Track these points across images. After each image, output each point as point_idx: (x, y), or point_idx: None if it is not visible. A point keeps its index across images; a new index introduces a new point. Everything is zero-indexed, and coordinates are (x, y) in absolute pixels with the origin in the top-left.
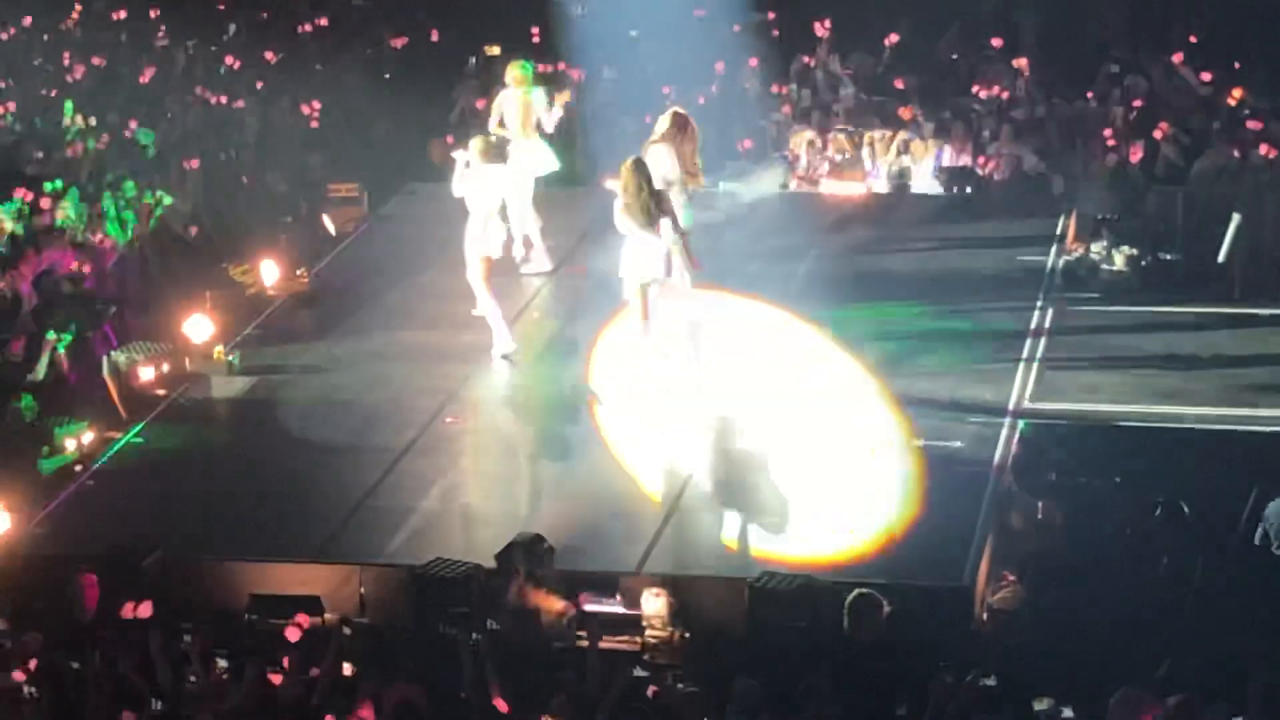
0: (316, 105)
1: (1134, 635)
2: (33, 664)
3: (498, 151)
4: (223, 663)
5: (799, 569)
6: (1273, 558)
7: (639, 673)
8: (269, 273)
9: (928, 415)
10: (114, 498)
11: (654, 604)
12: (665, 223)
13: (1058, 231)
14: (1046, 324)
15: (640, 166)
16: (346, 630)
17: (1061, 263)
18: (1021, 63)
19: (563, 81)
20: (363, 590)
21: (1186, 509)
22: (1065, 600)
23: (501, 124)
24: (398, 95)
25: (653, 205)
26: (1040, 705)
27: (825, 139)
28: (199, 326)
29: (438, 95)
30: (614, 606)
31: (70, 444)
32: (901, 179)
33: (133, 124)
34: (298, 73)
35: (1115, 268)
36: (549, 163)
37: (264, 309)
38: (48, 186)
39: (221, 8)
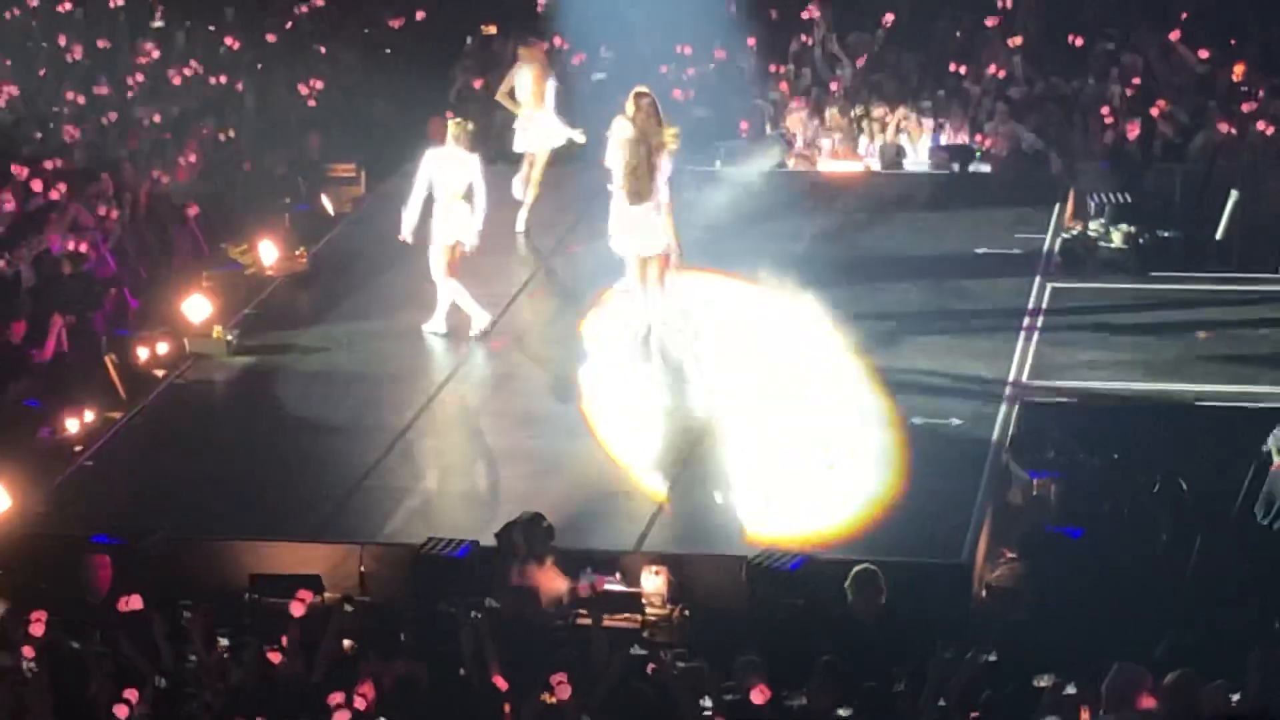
0: (316, 85)
1: (1133, 612)
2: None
3: (470, 137)
4: (224, 641)
5: (798, 546)
6: (1271, 534)
7: (638, 650)
8: (267, 253)
9: (926, 393)
10: (114, 478)
11: (653, 581)
12: (664, 192)
13: (1055, 210)
14: (1044, 301)
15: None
16: (348, 608)
17: (1059, 241)
18: (1017, 41)
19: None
20: (363, 569)
21: (1185, 486)
22: (1064, 577)
23: (512, 96)
24: (395, 75)
25: (655, 169)
26: (1041, 682)
27: (822, 117)
28: (198, 306)
29: (436, 74)
30: (613, 584)
31: None
32: (898, 158)
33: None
34: (296, 53)
35: (1113, 245)
36: (563, 134)
37: (262, 289)
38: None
39: None
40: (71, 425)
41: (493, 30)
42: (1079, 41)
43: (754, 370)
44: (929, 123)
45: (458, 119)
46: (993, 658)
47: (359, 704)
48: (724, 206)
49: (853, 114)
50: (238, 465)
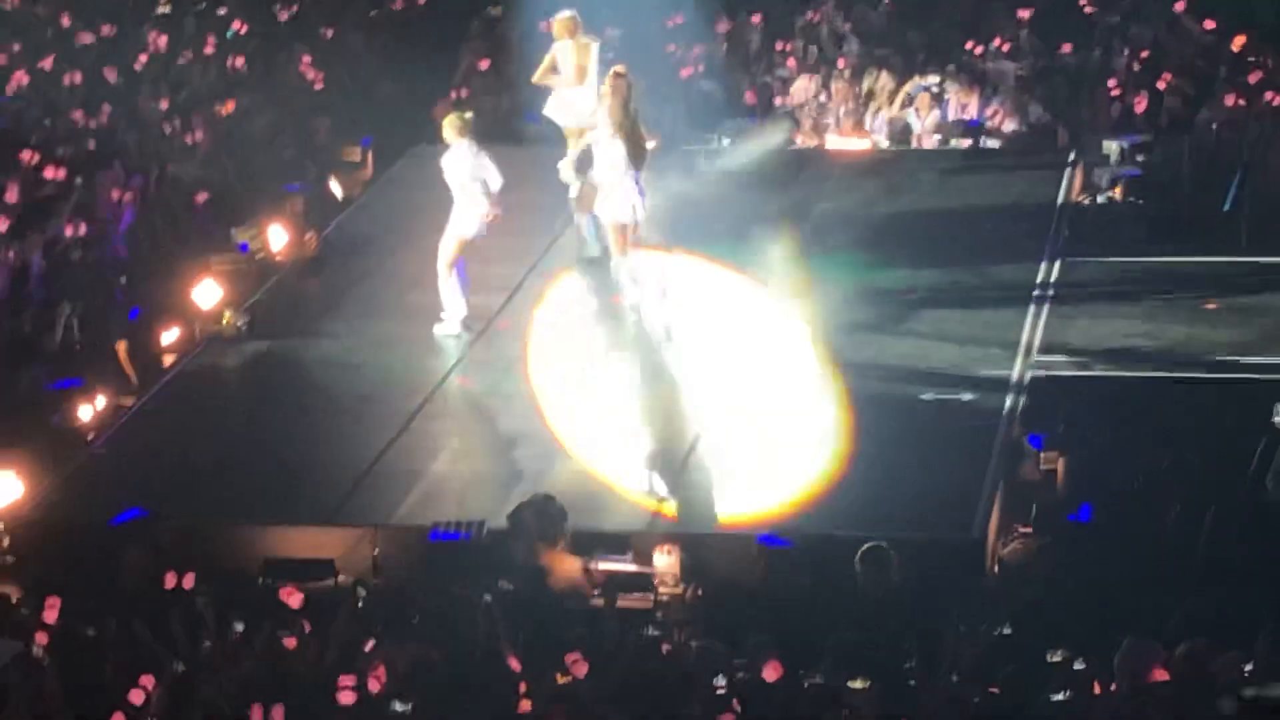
0: (323, 68)
1: (1145, 586)
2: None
3: (468, 127)
4: (238, 626)
5: (808, 523)
6: None
7: (652, 631)
8: (277, 238)
9: (936, 368)
10: (126, 465)
11: (665, 561)
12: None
13: (1064, 183)
14: (1054, 275)
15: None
16: (361, 591)
17: (1068, 214)
18: (1024, 14)
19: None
20: (376, 552)
21: (1196, 459)
22: (1076, 552)
23: (554, 70)
24: (402, 57)
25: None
26: (1054, 657)
27: (829, 93)
28: (208, 292)
29: (442, 56)
30: (626, 564)
31: None
32: (906, 134)
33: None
34: (302, 36)
35: (1120, 218)
36: None
37: (272, 274)
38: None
39: None
40: (83, 412)
41: (498, 12)
42: (1088, 10)
43: (760, 348)
44: (936, 97)
45: (453, 113)
46: (1007, 631)
47: (372, 687)
48: (730, 183)
49: (859, 90)
50: (250, 450)
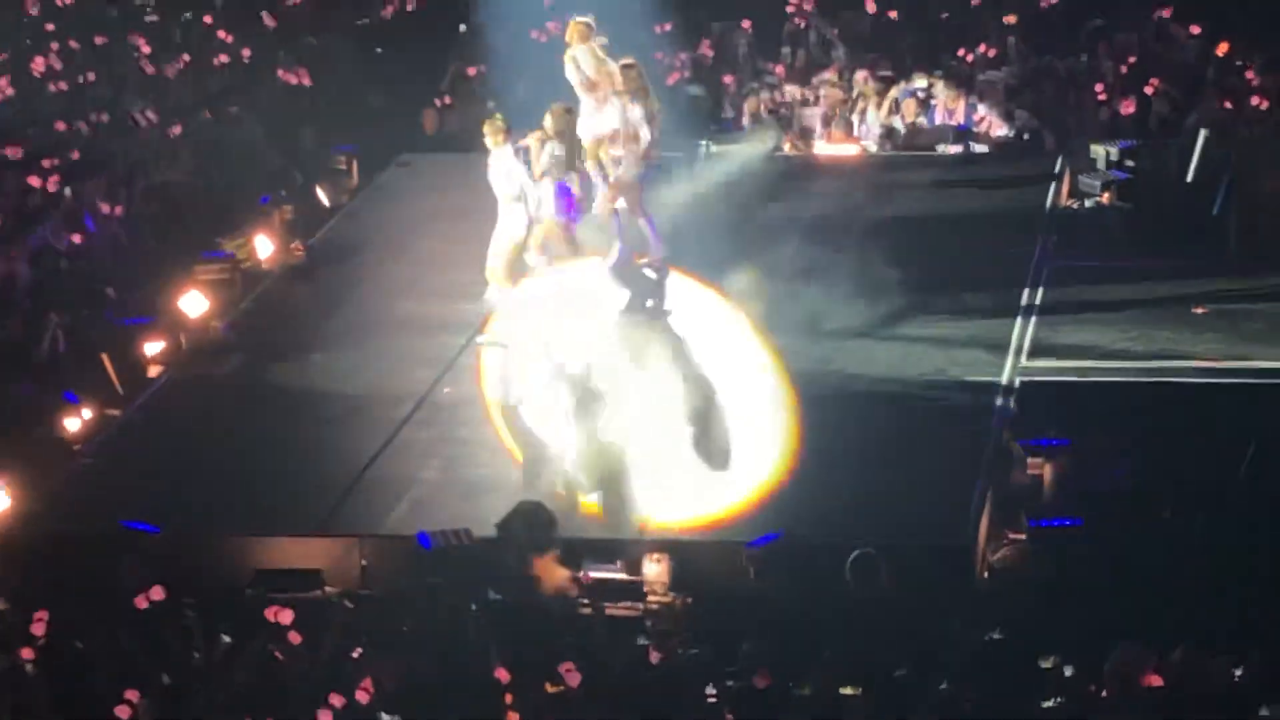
0: (309, 76)
1: (1136, 591)
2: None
3: (504, 132)
4: (227, 639)
5: (797, 530)
6: (1273, 510)
7: (642, 640)
8: (263, 246)
9: (925, 373)
10: (114, 475)
11: (655, 569)
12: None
13: (1051, 187)
14: (1042, 280)
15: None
16: (349, 604)
17: (1056, 219)
18: (1011, 19)
19: None
20: (364, 562)
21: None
22: (1067, 557)
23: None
24: (389, 65)
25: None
26: (1045, 663)
27: (817, 99)
28: (194, 301)
29: (429, 64)
30: (615, 573)
31: None
32: (893, 139)
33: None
34: (289, 44)
35: (1110, 222)
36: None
37: (259, 283)
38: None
39: None
40: (70, 423)
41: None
42: (1075, 15)
43: (747, 356)
44: (923, 103)
45: (489, 118)
46: (997, 636)
47: (361, 698)
48: (718, 189)
49: (847, 96)
50: (237, 460)
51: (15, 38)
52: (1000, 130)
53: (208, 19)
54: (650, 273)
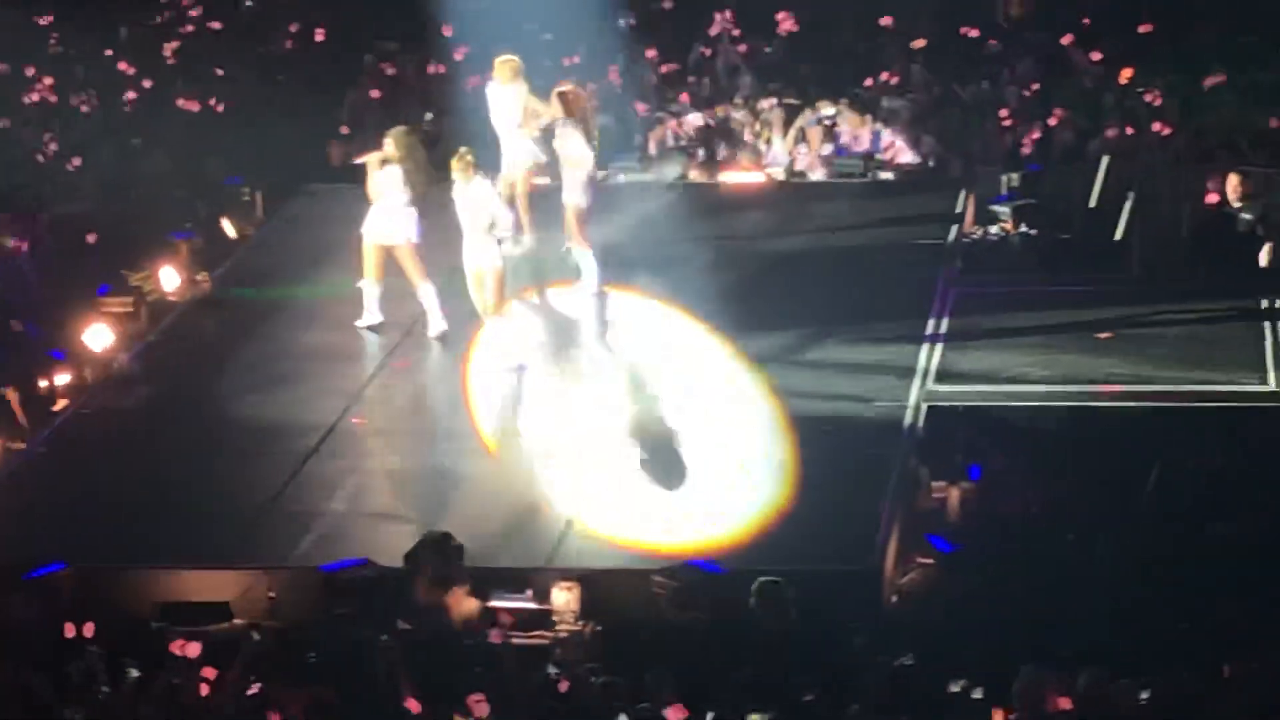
0: (214, 107)
1: (1043, 613)
2: None
3: (470, 165)
4: (133, 673)
5: (705, 557)
6: (1179, 532)
7: (551, 669)
8: (169, 278)
9: (832, 399)
10: (17, 510)
11: (564, 598)
12: None
13: (956, 213)
14: (948, 306)
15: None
16: (255, 635)
17: (961, 245)
18: (919, 44)
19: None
20: (272, 594)
21: (1090, 487)
22: (975, 580)
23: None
24: (293, 96)
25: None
26: (954, 687)
27: (723, 127)
28: (99, 335)
29: (334, 94)
30: (524, 602)
31: None
32: (799, 166)
33: None
34: (192, 75)
35: (1014, 248)
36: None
37: (164, 315)
38: None
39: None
40: None
41: (393, 48)
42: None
43: (656, 383)
44: (829, 130)
45: (456, 154)
46: (908, 661)
47: None
48: (624, 219)
49: (753, 124)
50: (143, 494)
51: None
52: (906, 156)
53: (109, 51)
54: (597, 300)
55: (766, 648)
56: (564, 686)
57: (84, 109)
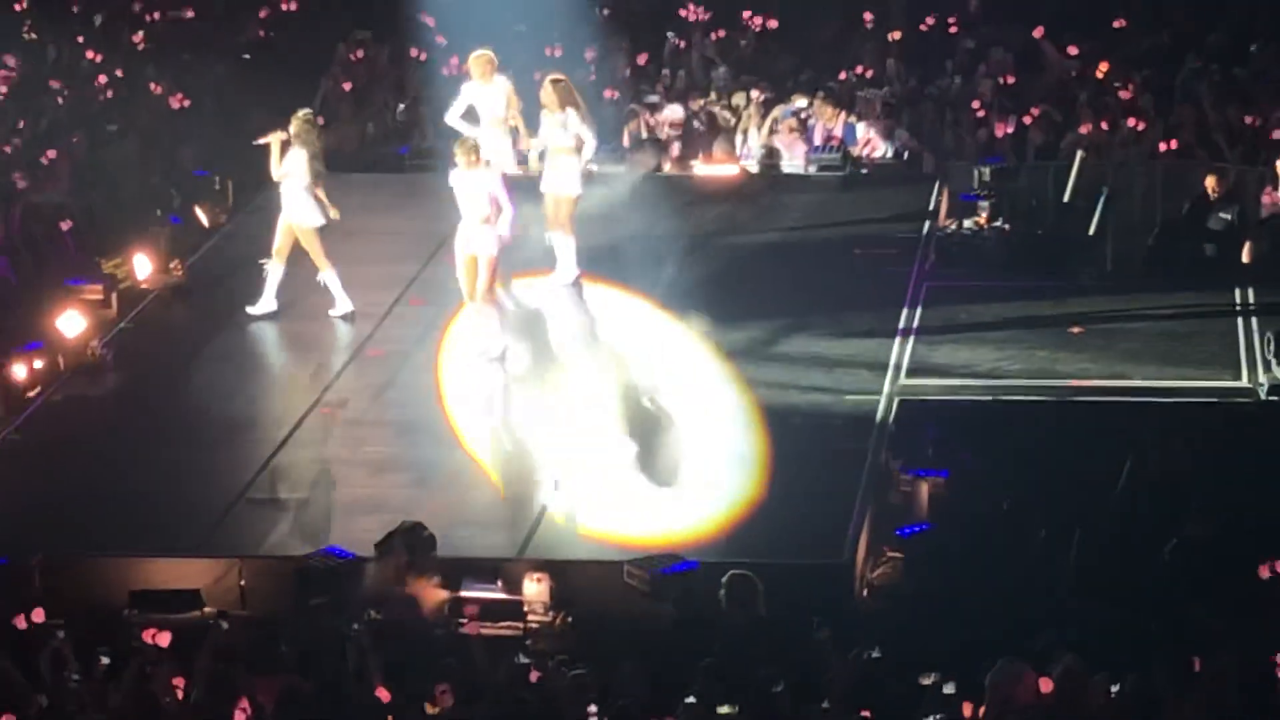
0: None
1: (1014, 608)
2: None
3: (474, 153)
4: (105, 660)
5: (674, 550)
6: (1151, 525)
7: (522, 659)
8: (142, 266)
9: (804, 393)
10: None
11: (535, 589)
12: None
13: (930, 208)
14: (921, 300)
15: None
16: (223, 624)
17: (934, 239)
18: (895, 35)
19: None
20: (243, 583)
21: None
22: (946, 575)
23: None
24: (266, 84)
25: None
26: (926, 680)
27: (697, 119)
28: (72, 322)
29: (307, 84)
30: (495, 592)
31: None
32: (772, 159)
33: None
34: (165, 63)
35: (987, 243)
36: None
37: (137, 303)
38: None
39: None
40: None
41: (366, 35)
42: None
43: (629, 376)
44: (803, 123)
45: (459, 141)
46: (876, 654)
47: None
48: (598, 211)
49: (727, 116)
50: (115, 481)
51: None
52: (880, 151)
53: (80, 39)
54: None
55: (736, 641)
56: (534, 676)
57: (59, 99)
